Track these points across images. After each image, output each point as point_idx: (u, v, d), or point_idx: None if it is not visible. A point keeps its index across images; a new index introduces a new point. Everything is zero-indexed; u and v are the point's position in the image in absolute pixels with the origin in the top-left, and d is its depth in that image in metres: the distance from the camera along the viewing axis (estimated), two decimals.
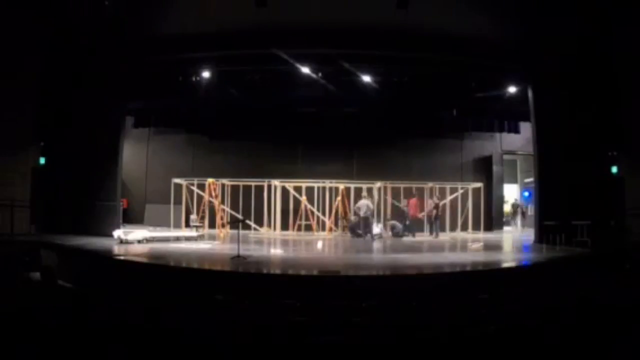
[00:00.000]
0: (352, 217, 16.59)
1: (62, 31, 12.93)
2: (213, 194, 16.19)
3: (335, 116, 18.15)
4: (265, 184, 17.21)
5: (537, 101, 14.30)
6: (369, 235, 15.56)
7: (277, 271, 9.63)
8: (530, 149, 15.89)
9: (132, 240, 12.50)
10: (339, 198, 16.95)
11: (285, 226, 17.07)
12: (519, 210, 21.08)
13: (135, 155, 19.20)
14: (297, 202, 17.16)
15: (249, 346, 4.18)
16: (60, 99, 13.72)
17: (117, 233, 12.82)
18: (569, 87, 13.35)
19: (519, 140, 19.66)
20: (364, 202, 15.91)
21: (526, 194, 18.80)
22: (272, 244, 14.37)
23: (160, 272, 9.02)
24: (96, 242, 12.02)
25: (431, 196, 16.80)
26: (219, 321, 4.96)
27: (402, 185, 17.34)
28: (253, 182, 17.30)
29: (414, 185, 17.29)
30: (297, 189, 17.31)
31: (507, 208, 21.24)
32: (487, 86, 16.46)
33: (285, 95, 17.21)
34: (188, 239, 13.89)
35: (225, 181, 17.33)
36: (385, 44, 13.85)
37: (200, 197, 17.01)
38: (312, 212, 17.06)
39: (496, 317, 5.26)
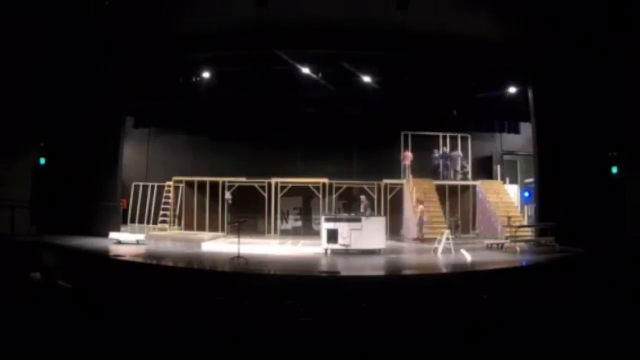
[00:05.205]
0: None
1: (62, 31, 12.92)
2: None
3: (335, 116, 18.16)
4: (266, 184, 17.22)
5: (537, 101, 14.30)
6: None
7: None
8: (530, 149, 15.89)
9: (130, 241, 12.57)
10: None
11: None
12: None
13: (135, 155, 19.21)
14: (298, 202, 17.19)
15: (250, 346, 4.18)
16: (60, 99, 13.71)
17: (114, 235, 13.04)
18: (569, 87, 13.34)
19: (519, 140, 19.67)
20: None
21: (526, 194, 18.79)
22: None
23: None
24: (96, 243, 12.03)
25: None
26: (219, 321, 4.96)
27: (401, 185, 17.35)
28: (253, 182, 17.30)
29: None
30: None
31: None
32: (487, 86, 16.50)
33: (285, 96, 17.22)
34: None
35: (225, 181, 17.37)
36: (386, 44, 13.86)
37: (200, 197, 17.07)
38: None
39: (496, 317, 5.26)
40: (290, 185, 17.30)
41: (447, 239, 11.90)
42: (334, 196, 17.52)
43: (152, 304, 5.76)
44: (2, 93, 12.11)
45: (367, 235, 11.73)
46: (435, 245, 12.08)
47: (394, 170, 17.85)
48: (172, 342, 4.19)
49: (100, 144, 14.11)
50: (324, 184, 17.29)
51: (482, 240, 14.47)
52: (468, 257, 11.31)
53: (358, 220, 11.86)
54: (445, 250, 11.74)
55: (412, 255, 12.54)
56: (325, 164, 18.05)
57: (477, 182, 17.59)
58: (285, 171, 17.62)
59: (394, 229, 17.19)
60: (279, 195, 17.27)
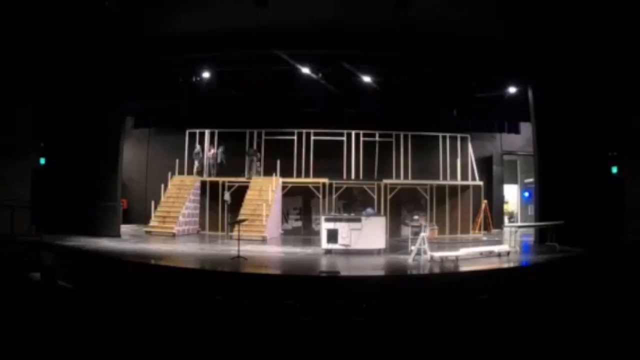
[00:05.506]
0: None
1: (62, 31, 12.92)
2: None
3: (335, 116, 18.15)
4: None
5: (537, 101, 14.31)
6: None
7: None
8: (530, 149, 15.90)
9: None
10: None
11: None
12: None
13: (135, 155, 19.20)
14: (297, 202, 17.18)
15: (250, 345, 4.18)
16: (60, 99, 13.71)
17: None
18: (569, 87, 13.35)
19: (519, 140, 19.68)
20: None
21: (526, 194, 18.82)
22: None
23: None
24: (96, 243, 12.03)
25: None
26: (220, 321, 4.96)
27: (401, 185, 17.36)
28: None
29: (415, 185, 17.33)
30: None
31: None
32: (487, 86, 16.48)
33: (285, 96, 17.21)
34: None
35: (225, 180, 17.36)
36: (385, 44, 13.83)
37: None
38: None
39: (496, 317, 5.26)
40: (290, 185, 17.30)
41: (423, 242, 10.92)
42: (334, 196, 17.51)
43: (152, 304, 5.76)
44: (2, 93, 12.12)
45: (367, 235, 11.72)
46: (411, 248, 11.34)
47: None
48: (172, 342, 4.19)
49: (101, 144, 14.11)
50: (324, 184, 17.28)
51: (482, 240, 14.47)
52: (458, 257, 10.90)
53: (358, 220, 11.85)
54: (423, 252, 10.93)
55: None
56: (325, 164, 18.04)
57: (480, 183, 17.59)
58: (285, 171, 17.62)
59: (394, 229, 17.18)
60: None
